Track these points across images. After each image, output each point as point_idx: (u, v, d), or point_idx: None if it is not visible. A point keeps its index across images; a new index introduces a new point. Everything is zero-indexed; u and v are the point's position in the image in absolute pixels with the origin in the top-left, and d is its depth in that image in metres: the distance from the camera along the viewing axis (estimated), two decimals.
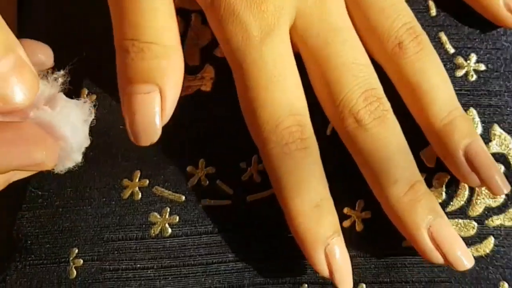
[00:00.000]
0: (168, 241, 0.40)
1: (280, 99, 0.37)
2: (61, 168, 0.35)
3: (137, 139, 0.37)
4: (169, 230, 0.40)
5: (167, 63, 0.36)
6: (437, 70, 0.38)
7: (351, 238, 0.39)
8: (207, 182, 0.41)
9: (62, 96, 0.35)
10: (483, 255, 0.38)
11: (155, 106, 0.36)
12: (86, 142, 0.36)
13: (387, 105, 0.37)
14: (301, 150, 0.37)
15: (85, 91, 0.42)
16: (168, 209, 0.41)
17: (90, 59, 0.42)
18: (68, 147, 0.35)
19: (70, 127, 0.35)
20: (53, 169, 0.35)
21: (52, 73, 0.36)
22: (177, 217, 0.40)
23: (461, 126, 0.37)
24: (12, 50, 0.31)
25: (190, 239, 0.40)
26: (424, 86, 0.37)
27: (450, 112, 0.37)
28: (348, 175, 0.39)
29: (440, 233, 0.36)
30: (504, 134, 0.39)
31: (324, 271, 0.37)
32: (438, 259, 0.36)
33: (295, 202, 0.37)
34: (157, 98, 0.36)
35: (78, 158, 0.35)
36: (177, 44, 0.37)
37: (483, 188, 0.39)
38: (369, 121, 0.37)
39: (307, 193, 0.37)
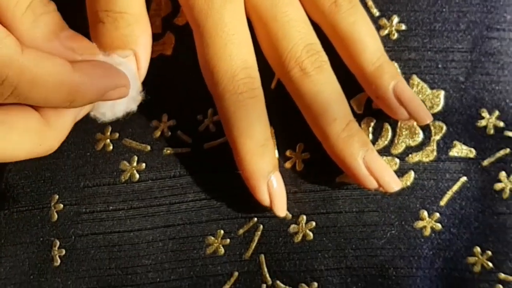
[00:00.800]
0: (136, 186, 0.43)
1: (236, 54, 0.39)
2: (117, 113, 0.38)
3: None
4: (137, 176, 0.43)
5: (138, 29, 0.38)
6: (367, 23, 0.41)
7: (292, 177, 0.42)
8: (169, 133, 0.43)
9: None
10: (405, 188, 0.41)
11: (133, 68, 0.38)
12: (139, 95, 0.38)
13: (325, 57, 0.40)
14: (252, 98, 0.39)
15: None
16: (136, 158, 0.43)
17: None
18: (131, 94, 0.37)
19: (132, 76, 0.37)
20: (98, 116, 0.38)
21: None
22: (144, 164, 0.43)
23: (389, 69, 0.40)
24: None
25: (155, 183, 0.43)
26: (357, 36, 0.40)
27: (379, 58, 0.40)
28: (289, 123, 0.42)
29: (372, 162, 0.39)
30: (422, 83, 0.42)
31: (266, 200, 0.40)
32: (373, 183, 0.39)
33: (245, 142, 0.39)
34: (133, 60, 0.38)
35: (134, 106, 0.38)
36: (144, 11, 0.39)
37: (404, 130, 0.41)
38: (311, 69, 0.39)
39: (255, 134, 0.40)
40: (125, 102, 0.38)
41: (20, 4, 0.34)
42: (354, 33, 0.40)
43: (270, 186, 0.40)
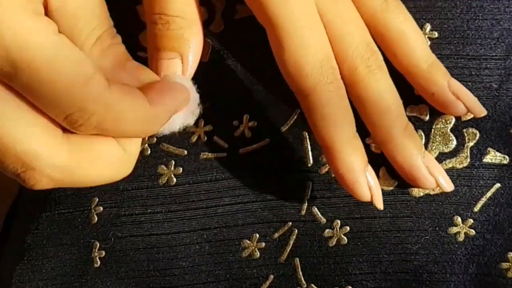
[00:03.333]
0: (174, 189, 0.42)
1: (319, 45, 0.37)
2: (174, 128, 0.37)
3: None
4: (175, 180, 0.42)
5: (188, 33, 0.38)
6: (413, 21, 0.39)
7: (327, 182, 0.41)
8: (206, 138, 0.42)
9: None
10: (439, 194, 0.40)
11: (176, 71, 0.38)
12: (197, 109, 0.38)
13: (381, 56, 0.39)
14: (340, 89, 0.38)
15: None
16: (173, 162, 0.42)
17: None
18: (191, 108, 0.37)
19: (193, 93, 0.38)
20: (168, 130, 0.37)
21: None
22: (181, 169, 0.42)
23: (441, 66, 0.39)
24: None
25: (192, 187, 0.42)
26: (408, 34, 0.39)
27: (430, 55, 0.39)
28: None
29: (430, 162, 0.39)
30: None
31: (367, 195, 0.38)
32: (432, 183, 0.39)
33: (341, 134, 0.38)
34: (178, 63, 0.38)
35: (191, 120, 0.38)
36: (197, 17, 0.39)
37: (437, 136, 0.40)
38: (375, 67, 0.38)
39: (349, 126, 0.38)
40: (182, 116, 0.37)
41: (90, 36, 0.34)
42: (406, 31, 0.39)
43: (369, 180, 0.39)
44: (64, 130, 0.33)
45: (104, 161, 0.34)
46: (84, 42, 0.34)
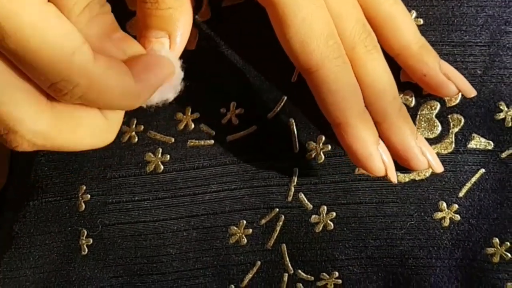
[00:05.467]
0: (161, 176, 0.41)
1: (323, 21, 0.37)
2: (157, 99, 0.36)
3: None
4: (162, 167, 0.41)
5: (178, 13, 0.37)
6: (402, 4, 0.39)
7: (313, 168, 0.41)
8: (193, 125, 0.42)
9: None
10: (424, 179, 0.40)
11: (163, 49, 0.37)
12: (179, 85, 0.37)
13: (375, 37, 0.38)
14: (346, 63, 0.37)
15: None
16: (161, 150, 0.42)
17: None
18: (174, 83, 0.36)
19: (178, 68, 0.36)
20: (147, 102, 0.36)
21: None
22: (168, 156, 0.42)
23: (431, 48, 0.39)
24: None
25: (179, 174, 0.41)
26: (399, 17, 0.38)
27: (420, 37, 0.39)
28: (310, 115, 0.40)
29: (423, 144, 0.39)
30: None
31: (381, 168, 0.37)
32: (424, 164, 0.38)
33: (351, 109, 0.37)
34: (166, 42, 0.37)
35: (171, 95, 0.37)
36: None
37: (422, 122, 0.40)
38: (371, 47, 0.38)
39: (358, 100, 0.37)
40: (163, 91, 0.36)
41: (79, 3, 0.34)
42: (396, 15, 0.38)
43: (381, 153, 0.38)
44: (49, 97, 0.33)
45: (86, 129, 0.34)
46: (72, 9, 0.34)
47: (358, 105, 0.37)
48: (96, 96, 0.32)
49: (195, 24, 0.42)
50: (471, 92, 0.39)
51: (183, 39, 0.38)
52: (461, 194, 0.40)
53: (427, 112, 0.40)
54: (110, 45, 0.34)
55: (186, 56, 0.41)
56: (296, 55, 0.37)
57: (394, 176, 0.38)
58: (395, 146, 0.38)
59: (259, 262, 0.41)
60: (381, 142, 0.38)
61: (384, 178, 0.39)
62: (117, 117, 0.36)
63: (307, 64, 0.37)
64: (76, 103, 0.33)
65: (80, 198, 0.42)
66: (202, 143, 0.42)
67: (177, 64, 0.37)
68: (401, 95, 0.40)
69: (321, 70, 0.37)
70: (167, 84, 0.36)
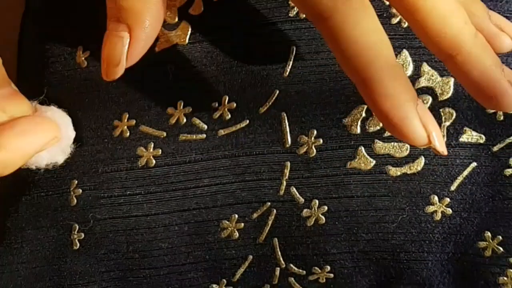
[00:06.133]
0: (153, 171, 0.41)
1: None
2: (46, 161, 0.35)
3: (103, 73, 0.35)
4: (154, 161, 0.41)
5: (140, 4, 0.34)
6: None
7: (305, 162, 0.40)
8: (185, 120, 0.41)
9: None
10: (416, 173, 0.40)
11: (122, 45, 0.34)
12: (69, 147, 0.35)
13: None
14: (368, 7, 0.31)
15: (81, 48, 0.42)
16: (152, 144, 0.41)
17: (85, 19, 0.42)
18: (63, 145, 0.35)
19: (65, 127, 0.35)
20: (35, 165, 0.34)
21: None
22: (160, 150, 0.41)
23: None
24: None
25: (171, 169, 0.41)
26: None
27: None
28: (302, 109, 0.40)
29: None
30: (432, 70, 0.40)
31: (422, 135, 0.31)
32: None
33: (378, 60, 0.31)
34: (125, 37, 0.34)
35: (61, 158, 0.35)
36: None
37: None
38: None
39: (388, 49, 0.31)
40: (51, 153, 0.35)
41: None
42: None
43: (421, 116, 0.30)
44: None
45: None
46: None
47: (387, 56, 0.31)
48: None
49: (188, 18, 0.42)
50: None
51: (147, 37, 0.35)
52: (452, 188, 0.40)
53: None
54: None
55: (178, 50, 0.42)
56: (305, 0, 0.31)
57: (442, 145, 0.31)
58: (476, 80, 0.31)
59: (251, 256, 0.41)
60: (420, 102, 0.32)
61: (376, 172, 0.38)
62: None
63: (319, 9, 0.31)
64: None
65: (72, 193, 0.42)
66: (194, 137, 0.42)
67: (68, 125, 0.35)
68: None
69: (336, 16, 0.30)
70: (56, 147, 0.34)
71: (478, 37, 0.32)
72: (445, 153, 0.32)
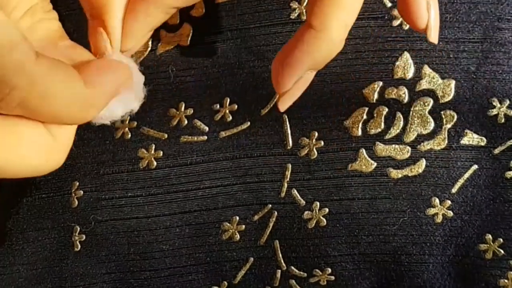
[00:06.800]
0: (154, 173, 0.41)
1: None
2: (122, 111, 0.32)
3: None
4: (155, 163, 0.41)
5: None
6: None
7: (306, 164, 0.40)
8: (186, 122, 0.41)
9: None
10: (417, 175, 0.40)
11: (102, 39, 0.33)
12: (142, 93, 0.33)
13: None
14: None
15: None
16: (154, 146, 0.41)
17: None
18: (136, 91, 0.33)
19: (136, 73, 0.33)
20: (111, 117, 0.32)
21: None
22: (161, 152, 0.41)
23: None
24: None
25: (172, 170, 0.41)
26: None
27: None
28: (303, 111, 0.40)
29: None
30: (433, 73, 0.40)
31: (424, 19, 0.33)
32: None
33: None
34: (100, 32, 0.33)
35: (136, 105, 0.33)
36: None
37: (415, 118, 0.40)
38: None
39: None
40: (124, 101, 0.32)
41: (19, 7, 0.30)
42: None
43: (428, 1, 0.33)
44: None
45: (28, 147, 0.29)
46: (11, 13, 0.30)
47: None
48: (39, 103, 0.27)
49: (189, 20, 0.42)
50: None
51: (133, 38, 0.34)
52: (454, 190, 0.40)
53: (420, 108, 0.40)
54: (55, 53, 0.30)
55: (180, 51, 0.42)
56: None
57: (435, 35, 0.34)
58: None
59: (252, 259, 0.41)
60: None
61: (377, 174, 0.38)
62: (66, 135, 0.30)
63: None
64: (15, 113, 0.28)
65: (73, 194, 0.42)
66: (195, 139, 0.41)
67: (135, 68, 0.33)
68: (394, 91, 0.40)
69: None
70: (128, 93, 0.32)
71: None
72: (435, 42, 0.34)
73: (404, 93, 0.40)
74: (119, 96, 0.31)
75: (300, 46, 0.33)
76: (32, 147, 0.29)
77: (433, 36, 0.34)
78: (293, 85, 0.34)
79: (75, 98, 0.28)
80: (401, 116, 0.40)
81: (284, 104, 0.35)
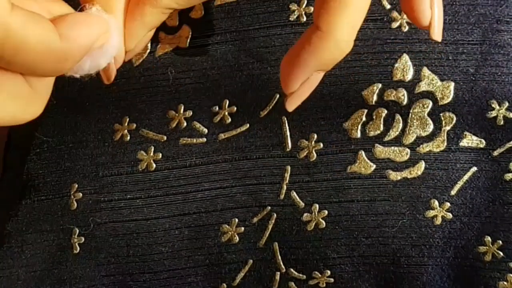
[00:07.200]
0: (153, 175, 0.41)
1: None
2: (89, 66, 0.32)
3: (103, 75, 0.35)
4: (154, 165, 0.41)
5: None
6: None
7: (305, 166, 0.40)
8: (185, 123, 0.41)
9: None
10: (416, 177, 0.39)
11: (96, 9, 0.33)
12: (113, 50, 0.33)
13: None
14: None
15: None
16: (153, 148, 0.41)
17: None
18: (106, 48, 0.32)
19: (116, 31, 0.32)
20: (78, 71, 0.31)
21: None
22: (160, 154, 0.41)
23: None
24: None
25: (171, 172, 0.41)
26: None
27: None
28: (302, 113, 0.40)
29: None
30: (432, 75, 0.40)
31: (427, 17, 0.33)
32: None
33: None
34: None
35: (103, 62, 0.32)
36: None
37: (415, 120, 0.40)
38: None
39: None
40: (93, 56, 0.32)
41: None
42: None
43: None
44: None
45: (6, 96, 0.29)
46: None
47: None
48: (14, 54, 0.27)
49: (188, 21, 0.42)
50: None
51: (132, 38, 0.34)
52: (453, 192, 0.40)
53: (419, 110, 0.40)
54: (33, 5, 0.30)
55: (178, 53, 0.42)
56: None
57: (438, 33, 0.34)
58: None
59: (251, 261, 0.41)
60: None
61: (376, 176, 0.38)
62: (44, 87, 0.31)
63: None
64: None
65: (72, 197, 0.42)
66: (194, 141, 0.41)
67: (115, 27, 0.33)
68: (394, 93, 0.40)
69: None
70: (98, 49, 0.32)
71: None
72: (439, 40, 0.34)
73: (403, 95, 0.40)
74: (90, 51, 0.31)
75: (307, 48, 0.33)
76: (10, 95, 0.29)
77: (437, 34, 0.34)
78: (301, 86, 0.34)
79: (50, 51, 0.28)
80: (400, 118, 0.40)
81: (291, 105, 0.35)
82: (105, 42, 0.32)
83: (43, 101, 0.31)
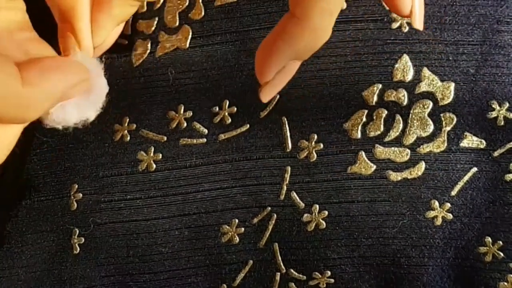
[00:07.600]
0: (153, 175, 0.41)
1: None
2: (75, 118, 0.30)
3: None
4: (154, 166, 0.41)
5: (68, 4, 0.32)
6: None
7: (305, 167, 0.40)
8: (185, 124, 0.41)
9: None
10: (416, 178, 0.39)
11: (72, 41, 0.32)
12: (101, 101, 0.31)
13: None
14: None
15: None
16: (153, 148, 0.41)
17: None
18: (93, 98, 0.31)
19: (97, 76, 0.31)
20: (59, 123, 0.30)
21: None
22: (160, 155, 0.41)
23: None
24: None
25: (171, 173, 0.41)
26: None
27: None
28: (302, 113, 0.40)
29: None
30: (432, 75, 0.40)
31: (407, 7, 0.33)
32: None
33: None
34: (68, 36, 0.32)
35: (92, 114, 0.31)
36: None
37: (415, 121, 0.40)
38: None
39: None
40: (80, 107, 0.30)
41: None
42: None
43: None
44: None
45: None
46: None
47: None
48: None
49: (188, 22, 0.42)
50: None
51: (100, 31, 0.33)
52: (453, 193, 0.40)
53: (419, 111, 0.40)
54: (10, 44, 0.29)
55: (179, 54, 0.42)
56: None
57: (419, 21, 0.34)
58: None
59: (251, 261, 0.41)
60: None
61: (376, 177, 0.38)
62: (7, 135, 0.29)
63: None
64: None
65: (72, 197, 0.42)
66: (195, 141, 0.41)
67: (99, 74, 0.31)
68: (394, 94, 0.40)
69: None
70: (84, 100, 0.30)
71: None
72: (421, 28, 0.34)
73: (403, 96, 0.40)
74: (75, 101, 0.29)
75: (282, 35, 0.32)
76: None
77: (418, 23, 0.34)
78: (276, 75, 0.33)
79: (9, 96, 0.26)
80: (400, 118, 0.40)
81: (265, 95, 0.34)
82: (89, 92, 0.30)
83: (5, 151, 0.29)
